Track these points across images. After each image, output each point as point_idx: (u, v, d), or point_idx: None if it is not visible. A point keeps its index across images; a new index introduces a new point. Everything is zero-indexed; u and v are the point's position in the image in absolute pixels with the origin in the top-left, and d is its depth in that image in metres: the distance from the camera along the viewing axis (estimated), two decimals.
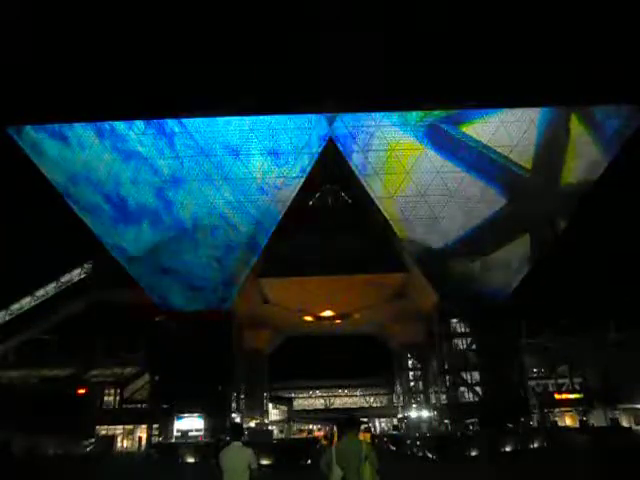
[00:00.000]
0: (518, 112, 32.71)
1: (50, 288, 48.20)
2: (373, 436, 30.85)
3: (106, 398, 43.99)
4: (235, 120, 32.39)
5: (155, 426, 34.76)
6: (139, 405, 42.89)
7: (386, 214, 33.49)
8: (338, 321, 46.72)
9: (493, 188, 33.33)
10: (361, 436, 7.32)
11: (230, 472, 6.64)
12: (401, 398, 58.38)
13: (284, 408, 61.01)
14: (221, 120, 32.38)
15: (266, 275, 37.32)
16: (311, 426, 61.99)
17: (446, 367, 36.21)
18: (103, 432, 40.65)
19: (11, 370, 45.81)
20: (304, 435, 57.36)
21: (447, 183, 33.08)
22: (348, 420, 6.39)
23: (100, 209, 33.41)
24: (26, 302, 47.83)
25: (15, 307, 47.72)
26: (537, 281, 38.86)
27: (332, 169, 35.38)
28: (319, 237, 36.04)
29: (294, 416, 61.66)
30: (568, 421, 44.56)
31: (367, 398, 70.17)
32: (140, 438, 40.90)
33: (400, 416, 56.95)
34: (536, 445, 26.22)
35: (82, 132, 32.24)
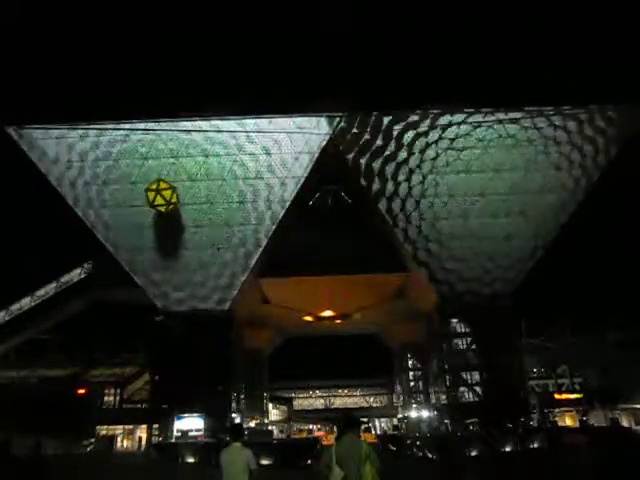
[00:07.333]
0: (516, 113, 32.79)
1: (50, 288, 48.18)
2: (380, 436, 30.73)
3: (106, 398, 44.04)
4: (235, 120, 32.37)
5: (155, 426, 34.71)
6: (139, 405, 42.89)
7: (386, 214, 33.50)
8: (338, 321, 46.65)
9: (493, 187, 33.37)
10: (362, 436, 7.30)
11: (229, 472, 6.63)
12: (401, 398, 58.35)
13: (284, 408, 61.01)
14: (221, 120, 32.37)
15: (266, 275, 37.23)
16: (311, 426, 61.95)
17: (446, 367, 36.16)
18: (103, 432, 40.67)
19: (11, 370, 45.80)
20: (304, 435, 57.33)
21: (447, 182, 33.12)
22: (348, 419, 6.36)
23: (100, 209, 33.40)
24: (26, 302, 47.80)
25: (15, 307, 47.68)
26: (537, 281, 38.85)
27: (332, 169, 35.33)
28: (319, 237, 35.94)
29: (294, 416, 61.64)
30: (568, 421, 44.62)
31: (367, 398, 70.18)
32: (140, 438, 40.91)
33: (400, 416, 56.91)
34: (536, 445, 26.18)
35: (82, 132, 32.24)
